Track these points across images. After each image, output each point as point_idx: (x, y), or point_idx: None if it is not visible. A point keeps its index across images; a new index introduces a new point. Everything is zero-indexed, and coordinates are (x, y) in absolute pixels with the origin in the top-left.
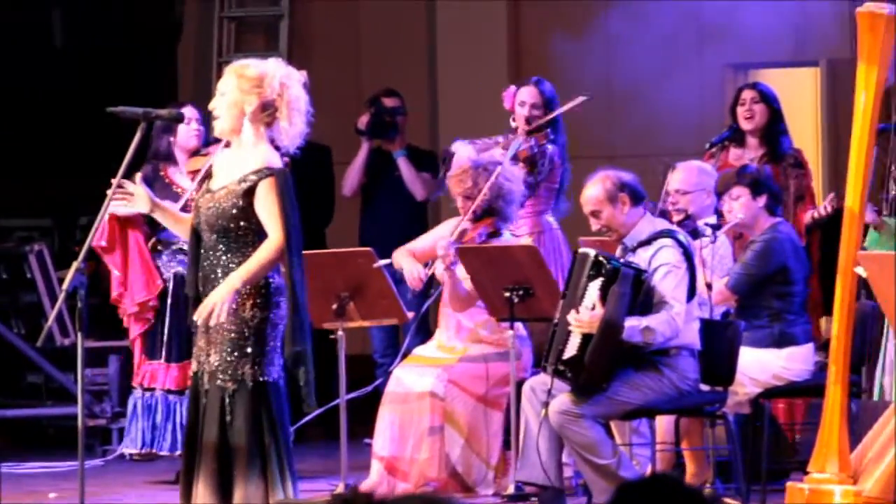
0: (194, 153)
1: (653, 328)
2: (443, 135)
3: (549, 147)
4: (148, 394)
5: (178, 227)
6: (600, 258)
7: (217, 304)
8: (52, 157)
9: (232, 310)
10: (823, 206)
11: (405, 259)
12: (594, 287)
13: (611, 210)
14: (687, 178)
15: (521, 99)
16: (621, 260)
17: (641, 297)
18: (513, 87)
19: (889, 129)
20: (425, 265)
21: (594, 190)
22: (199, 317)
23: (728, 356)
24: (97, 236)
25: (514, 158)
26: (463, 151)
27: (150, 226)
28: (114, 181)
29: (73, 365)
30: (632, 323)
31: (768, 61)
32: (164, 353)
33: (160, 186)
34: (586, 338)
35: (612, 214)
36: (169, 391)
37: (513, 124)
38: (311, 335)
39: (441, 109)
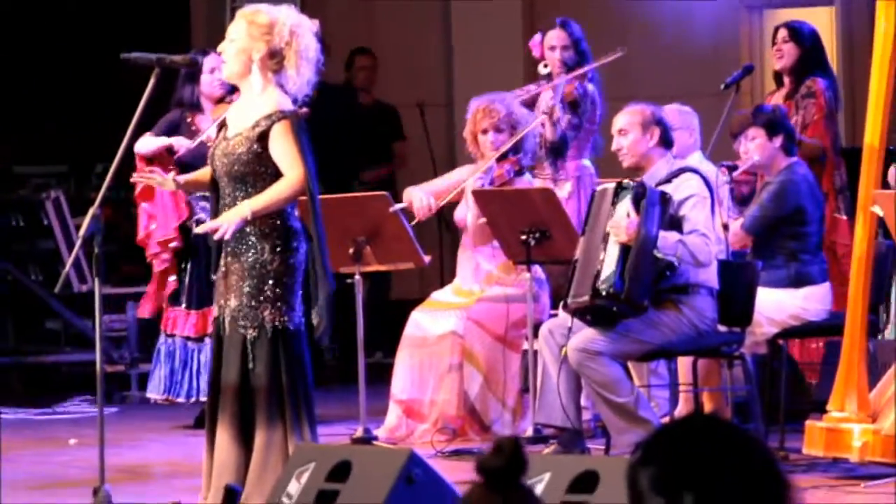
0: (220, 100)
1: (687, 244)
2: (458, 87)
3: (590, 86)
4: (170, 340)
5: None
6: (622, 182)
7: (224, 224)
8: (67, 103)
9: (252, 252)
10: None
11: (416, 191)
12: (623, 206)
13: (638, 136)
14: (668, 120)
15: (551, 43)
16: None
17: (668, 219)
18: (538, 35)
19: None
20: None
21: (631, 113)
22: (201, 230)
23: (745, 296)
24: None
25: (562, 101)
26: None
27: (179, 167)
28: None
29: (92, 311)
30: (666, 234)
31: (785, 0)
32: (184, 299)
33: (187, 133)
34: (623, 254)
35: (638, 140)
36: (188, 338)
37: (544, 70)
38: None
39: (456, 61)
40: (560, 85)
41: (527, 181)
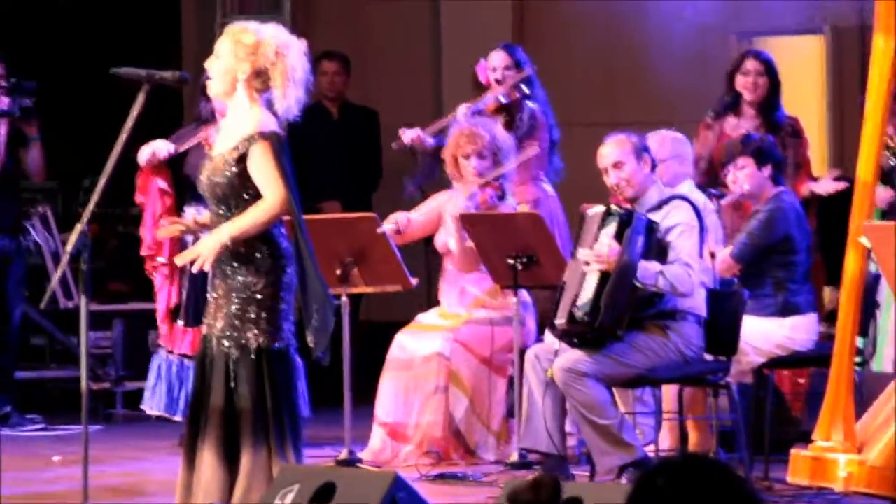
0: None
1: (667, 275)
2: (446, 99)
3: (529, 103)
4: (170, 356)
5: None
6: (611, 208)
7: (202, 253)
8: (55, 118)
9: (238, 274)
10: (824, 182)
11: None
12: (607, 233)
13: (635, 165)
14: (660, 147)
15: (492, 65)
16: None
17: (654, 248)
18: (483, 61)
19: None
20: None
21: (620, 144)
22: (181, 261)
23: (732, 325)
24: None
25: (479, 113)
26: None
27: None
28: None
29: (77, 327)
30: (647, 264)
31: (773, 29)
32: (182, 317)
33: (198, 149)
34: (602, 281)
35: (636, 170)
36: (184, 356)
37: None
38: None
39: (444, 74)
40: (483, 100)
41: (511, 205)
